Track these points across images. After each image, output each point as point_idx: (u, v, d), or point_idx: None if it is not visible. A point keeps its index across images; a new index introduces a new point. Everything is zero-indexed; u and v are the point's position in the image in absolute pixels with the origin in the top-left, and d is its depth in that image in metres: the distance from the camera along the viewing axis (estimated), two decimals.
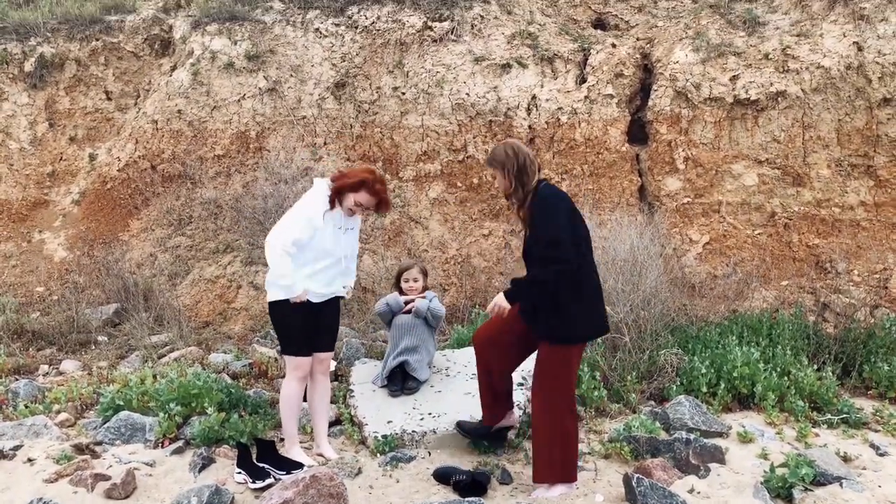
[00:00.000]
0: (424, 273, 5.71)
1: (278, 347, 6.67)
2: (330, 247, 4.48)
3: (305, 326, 4.46)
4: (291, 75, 9.09)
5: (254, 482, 4.29)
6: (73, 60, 9.58)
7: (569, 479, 4.18)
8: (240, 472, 4.39)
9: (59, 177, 9.15)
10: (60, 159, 9.24)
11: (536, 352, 4.23)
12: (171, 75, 9.31)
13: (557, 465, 4.13)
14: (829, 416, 5.44)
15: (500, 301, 4.14)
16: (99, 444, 4.84)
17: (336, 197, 4.44)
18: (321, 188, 4.49)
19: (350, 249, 4.66)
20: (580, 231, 4.11)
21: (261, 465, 4.40)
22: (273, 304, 4.50)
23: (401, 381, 5.41)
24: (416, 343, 5.42)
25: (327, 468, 4.05)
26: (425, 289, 5.74)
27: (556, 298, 4.02)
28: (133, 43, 9.78)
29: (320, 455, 4.66)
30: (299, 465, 4.36)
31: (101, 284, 7.87)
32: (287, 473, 4.25)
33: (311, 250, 4.42)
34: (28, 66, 9.40)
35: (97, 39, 9.67)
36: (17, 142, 9.14)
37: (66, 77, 9.56)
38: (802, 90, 7.71)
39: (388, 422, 4.98)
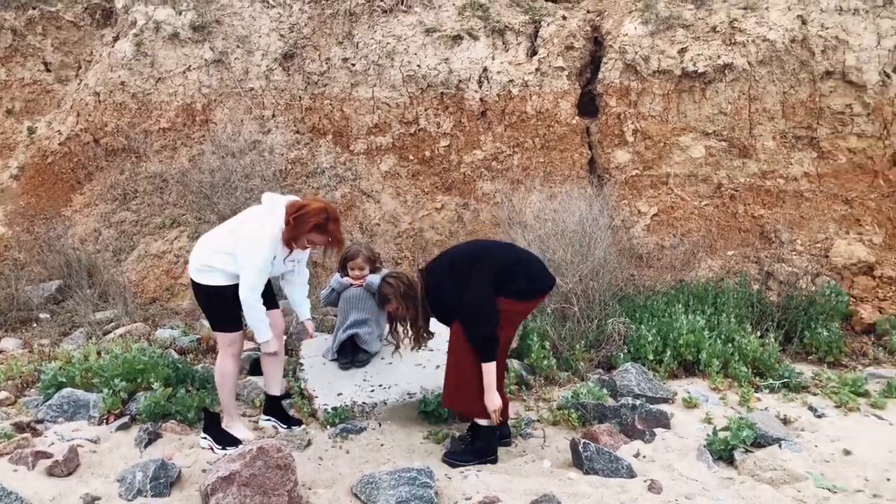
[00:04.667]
0: (370, 259, 5.51)
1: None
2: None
3: (236, 304, 4.36)
4: (238, 46, 8.88)
5: (222, 448, 4.29)
6: (8, 30, 9.24)
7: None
8: (205, 438, 4.39)
9: None
10: None
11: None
12: (113, 46, 9.03)
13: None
14: (770, 380, 5.59)
15: (494, 405, 4.19)
16: (40, 422, 4.73)
17: (292, 241, 4.34)
18: (277, 224, 4.31)
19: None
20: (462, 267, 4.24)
21: (202, 436, 4.38)
22: (207, 287, 4.39)
23: (351, 353, 5.39)
24: (366, 316, 5.39)
25: (275, 440, 4.03)
26: (374, 271, 5.62)
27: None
28: (72, 12, 9.48)
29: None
30: (237, 442, 4.32)
31: (42, 261, 7.65)
32: (223, 449, 4.23)
33: None
34: None
35: (34, 8, 9.35)
36: None
37: (2, 47, 9.23)
38: (749, 63, 7.81)
39: (339, 394, 4.96)
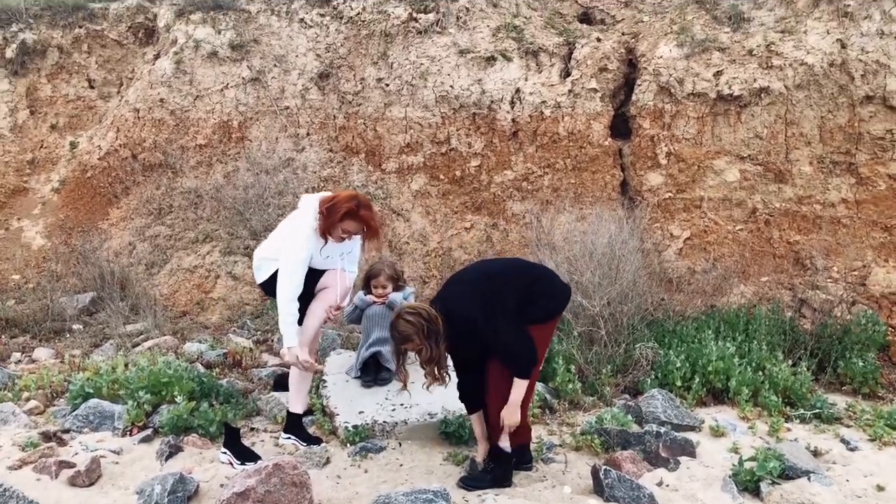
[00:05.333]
0: (393, 278, 5.47)
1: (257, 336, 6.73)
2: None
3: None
4: (275, 65, 9.03)
5: (241, 464, 4.28)
6: (55, 48, 9.52)
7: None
8: (225, 453, 4.39)
9: (39, 164, 9.08)
10: (41, 147, 9.18)
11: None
12: (154, 64, 9.25)
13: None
14: (802, 411, 5.45)
15: (511, 420, 4.11)
16: (66, 431, 4.80)
17: (327, 232, 4.45)
18: (309, 219, 4.46)
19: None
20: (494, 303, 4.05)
21: (222, 451, 4.39)
22: (263, 284, 4.69)
23: (374, 371, 5.38)
24: (388, 334, 5.37)
25: (291, 457, 4.03)
26: (397, 289, 5.62)
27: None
28: (117, 31, 9.72)
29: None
30: (257, 458, 4.33)
31: (77, 273, 7.81)
32: (242, 464, 4.23)
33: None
34: (9, 53, 9.33)
35: (80, 27, 9.60)
36: None
37: (49, 64, 9.50)
38: (786, 87, 7.70)
39: (360, 412, 4.95)
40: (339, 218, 4.41)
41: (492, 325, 3.97)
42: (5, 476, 4.11)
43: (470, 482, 4.22)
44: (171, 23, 9.41)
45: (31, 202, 8.82)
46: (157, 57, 9.42)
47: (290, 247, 4.43)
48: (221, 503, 3.54)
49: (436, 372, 4.13)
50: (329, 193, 4.58)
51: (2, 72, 9.29)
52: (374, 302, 5.42)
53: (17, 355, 6.37)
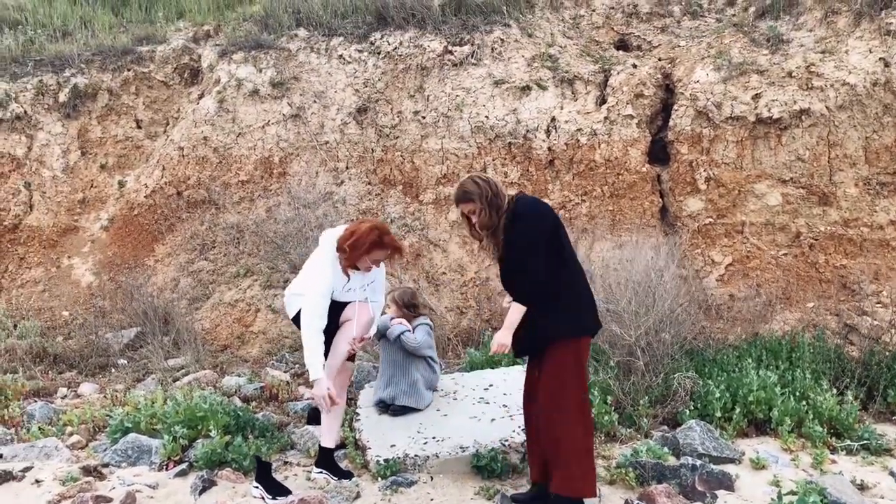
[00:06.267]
0: (398, 303, 5.51)
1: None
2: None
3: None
4: (315, 101, 9.21)
5: (273, 498, 4.32)
6: (105, 90, 9.86)
7: (585, 494, 4.08)
8: (257, 487, 4.42)
9: (89, 203, 9.38)
10: (91, 186, 9.49)
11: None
12: (198, 103, 9.51)
13: (577, 478, 4.02)
14: (848, 442, 5.25)
15: (500, 339, 4.09)
16: (106, 465, 4.90)
17: (353, 266, 4.54)
18: (329, 254, 4.56)
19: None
20: (561, 240, 4.07)
21: (254, 485, 4.42)
22: (292, 318, 4.78)
23: (387, 405, 5.41)
24: (392, 372, 5.38)
25: (317, 492, 4.04)
26: (409, 316, 5.62)
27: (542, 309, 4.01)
28: (163, 72, 10.03)
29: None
30: (287, 492, 4.35)
31: (124, 309, 8.02)
32: (273, 499, 4.25)
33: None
34: (62, 97, 9.71)
35: (129, 69, 9.94)
36: (50, 170, 9.41)
37: (99, 106, 9.84)
38: (827, 108, 7.55)
39: (392, 445, 4.95)
40: (366, 250, 4.48)
41: (533, 250, 3.95)
42: None
43: None
44: (215, 63, 9.69)
45: (80, 240, 9.11)
46: (201, 96, 9.69)
47: (311, 282, 4.53)
48: None
49: (491, 242, 4.13)
50: (344, 228, 4.64)
51: (55, 115, 9.66)
52: (392, 319, 5.43)
53: (63, 390, 6.55)
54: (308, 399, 6.01)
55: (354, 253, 4.46)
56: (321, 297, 4.48)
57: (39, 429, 5.43)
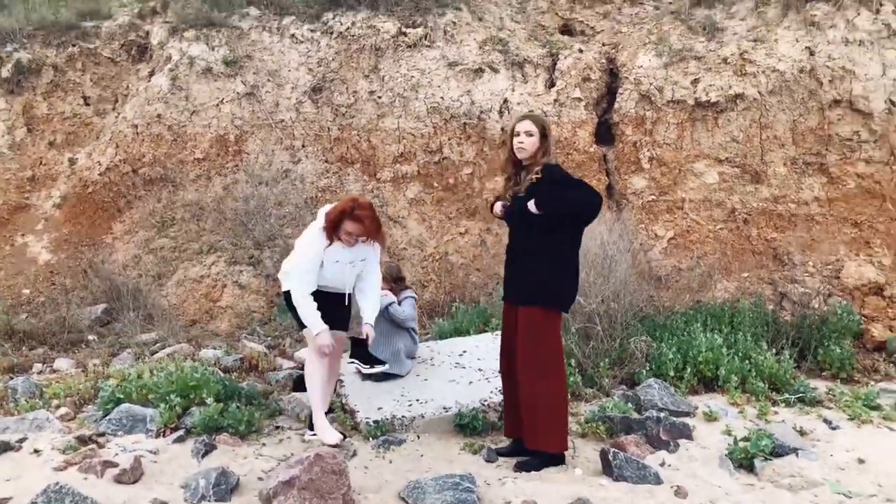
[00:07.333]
0: (386, 277, 5.69)
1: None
2: (330, 279, 4.85)
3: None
4: (269, 80, 9.32)
5: (371, 366, 5.04)
6: (50, 66, 9.71)
7: (564, 447, 4.52)
8: (352, 362, 5.08)
9: (39, 181, 9.27)
10: (40, 164, 9.36)
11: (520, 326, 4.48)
12: (149, 81, 9.49)
13: (555, 433, 4.46)
14: (786, 395, 5.86)
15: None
16: (102, 434, 5.03)
17: (332, 233, 4.78)
18: (318, 224, 4.84)
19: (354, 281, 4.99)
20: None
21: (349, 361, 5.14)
22: (284, 293, 4.95)
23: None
24: (377, 341, 5.60)
25: (331, 448, 4.33)
26: (395, 289, 5.93)
27: (558, 263, 4.40)
28: (110, 49, 9.93)
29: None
30: (382, 363, 5.19)
31: (86, 286, 8.03)
32: (371, 368, 5.11)
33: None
34: (5, 73, 9.52)
35: (74, 45, 9.81)
36: None
37: (44, 83, 9.68)
38: (759, 92, 8.16)
39: (379, 408, 5.26)
40: (337, 218, 4.75)
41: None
42: (53, 476, 4.35)
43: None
44: (165, 40, 9.66)
45: (33, 218, 9.01)
46: (151, 73, 9.65)
47: (299, 250, 4.84)
48: (269, 491, 3.84)
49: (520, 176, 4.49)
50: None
51: None
52: (392, 302, 5.71)
53: (38, 366, 6.58)
54: (289, 368, 6.25)
55: (332, 222, 4.74)
56: (308, 262, 4.76)
57: (26, 401, 5.51)
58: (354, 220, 4.75)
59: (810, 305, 7.09)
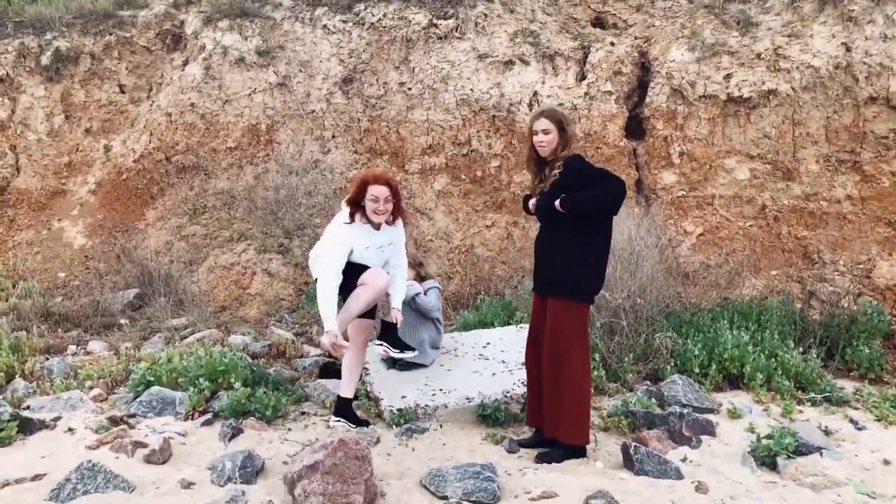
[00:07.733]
0: (412, 264, 5.83)
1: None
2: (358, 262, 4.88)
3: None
4: (300, 70, 9.41)
5: (400, 351, 5.05)
6: (87, 54, 9.88)
7: (586, 440, 4.55)
8: (380, 344, 5.08)
9: (75, 167, 9.46)
10: (77, 150, 9.55)
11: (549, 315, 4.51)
12: (183, 69, 9.63)
13: (578, 425, 4.48)
14: (812, 394, 5.82)
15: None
16: (133, 416, 5.16)
17: (354, 210, 4.80)
18: (344, 215, 4.87)
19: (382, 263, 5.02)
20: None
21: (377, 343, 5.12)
22: (315, 280, 4.96)
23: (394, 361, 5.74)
24: (403, 331, 5.62)
25: (353, 434, 4.40)
26: (421, 278, 5.98)
27: (587, 256, 4.45)
28: (145, 37, 10.08)
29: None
30: (412, 349, 5.19)
31: (119, 270, 8.20)
32: (401, 352, 5.10)
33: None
34: (44, 60, 9.70)
35: (111, 34, 9.98)
36: (34, 133, 9.45)
37: (81, 70, 9.86)
38: (793, 88, 8.06)
39: (402, 397, 5.33)
40: (361, 188, 4.75)
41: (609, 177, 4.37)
42: (86, 455, 4.48)
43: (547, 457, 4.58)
44: (199, 29, 9.79)
45: (69, 203, 9.20)
46: (185, 63, 9.79)
47: (327, 241, 4.87)
48: (293, 474, 3.91)
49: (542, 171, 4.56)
50: None
51: (38, 78, 9.66)
52: (419, 293, 5.76)
53: (72, 348, 6.75)
54: (316, 356, 6.34)
55: (353, 196, 4.75)
56: (336, 254, 4.77)
57: (61, 382, 5.66)
58: (377, 182, 4.77)
59: (839, 305, 7.02)
